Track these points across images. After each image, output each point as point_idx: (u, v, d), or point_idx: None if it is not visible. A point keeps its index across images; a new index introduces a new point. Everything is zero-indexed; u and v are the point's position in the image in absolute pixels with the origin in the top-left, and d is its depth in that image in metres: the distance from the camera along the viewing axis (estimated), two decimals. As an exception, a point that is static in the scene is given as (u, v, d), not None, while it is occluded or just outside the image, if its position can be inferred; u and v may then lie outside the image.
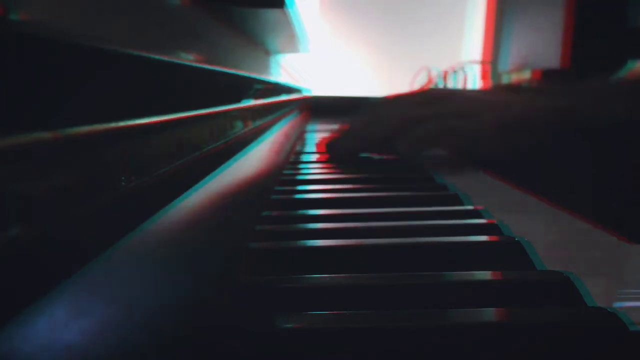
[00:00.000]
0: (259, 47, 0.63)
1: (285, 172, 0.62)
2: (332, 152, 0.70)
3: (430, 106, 0.53)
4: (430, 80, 2.63)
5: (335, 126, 0.76)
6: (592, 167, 0.29)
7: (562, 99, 0.31)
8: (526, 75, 2.24)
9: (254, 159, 0.41)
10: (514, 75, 2.39)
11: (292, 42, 0.78)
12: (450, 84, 2.58)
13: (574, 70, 1.89)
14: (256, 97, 0.51)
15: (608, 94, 0.31)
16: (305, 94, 1.44)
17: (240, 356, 0.22)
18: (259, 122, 0.50)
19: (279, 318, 0.23)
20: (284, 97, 0.82)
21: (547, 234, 0.38)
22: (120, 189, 0.16)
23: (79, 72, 0.16)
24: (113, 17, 0.19)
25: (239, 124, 0.39)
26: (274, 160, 0.54)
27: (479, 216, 0.40)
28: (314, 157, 0.75)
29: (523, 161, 0.31)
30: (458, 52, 2.93)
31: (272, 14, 0.48)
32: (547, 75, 2.06)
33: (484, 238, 0.33)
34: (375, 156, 0.70)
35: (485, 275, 0.28)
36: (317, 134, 1.13)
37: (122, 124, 0.17)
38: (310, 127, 1.33)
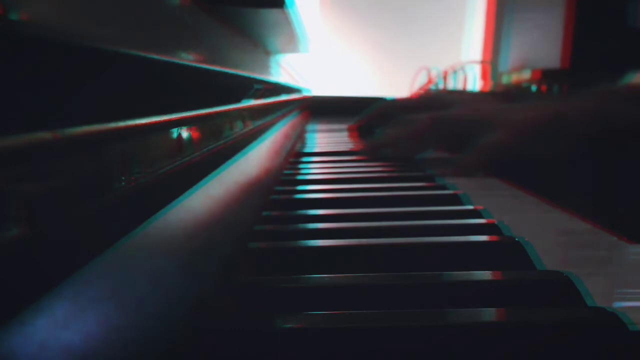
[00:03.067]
0: (259, 47, 0.63)
1: (285, 172, 0.62)
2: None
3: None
4: (430, 80, 2.63)
5: (335, 126, 0.76)
6: (615, 176, 0.29)
7: (587, 101, 0.31)
8: (526, 75, 2.23)
9: (254, 159, 0.41)
10: (514, 75, 2.39)
11: (292, 42, 0.78)
12: (451, 84, 2.58)
13: (574, 70, 1.89)
14: (256, 97, 0.51)
15: (628, 96, 0.31)
16: (305, 94, 1.44)
17: (240, 356, 0.22)
18: (258, 122, 0.50)
19: (279, 318, 0.23)
20: (284, 97, 0.82)
21: (548, 234, 0.38)
22: (120, 189, 0.16)
23: (80, 72, 0.16)
24: (113, 17, 0.19)
25: (238, 124, 0.39)
26: (274, 160, 0.54)
27: (479, 216, 0.40)
28: (314, 157, 0.75)
29: (530, 164, 0.31)
30: (458, 52, 2.93)
31: (272, 14, 0.48)
32: (547, 75, 2.06)
33: (484, 238, 0.33)
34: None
35: (486, 275, 0.28)
36: (318, 134, 1.13)
37: (122, 124, 0.17)
38: (310, 127, 1.33)
